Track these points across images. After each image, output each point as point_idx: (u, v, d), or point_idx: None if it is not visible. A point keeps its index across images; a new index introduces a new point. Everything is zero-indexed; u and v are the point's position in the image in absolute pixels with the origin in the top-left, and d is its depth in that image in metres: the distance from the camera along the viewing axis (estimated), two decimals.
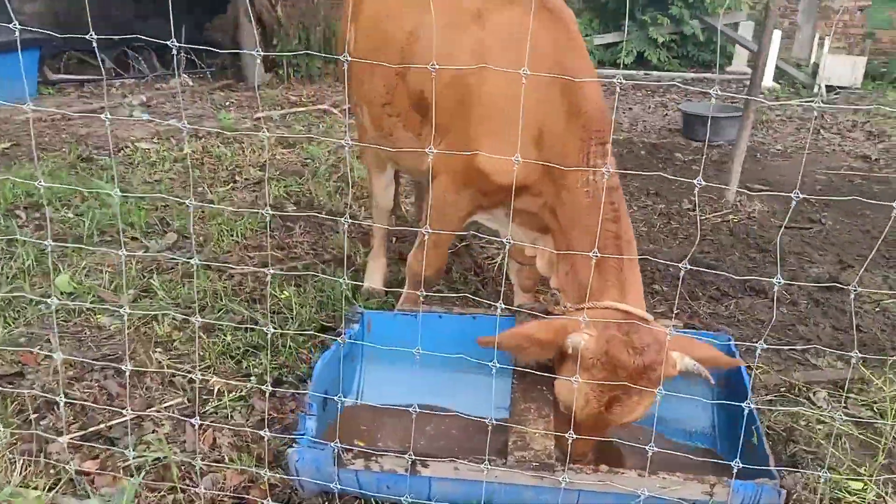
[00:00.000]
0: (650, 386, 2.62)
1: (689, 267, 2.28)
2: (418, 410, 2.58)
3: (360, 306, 3.43)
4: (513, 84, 2.97)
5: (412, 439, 3.12)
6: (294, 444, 2.72)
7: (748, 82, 11.81)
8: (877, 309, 4.39)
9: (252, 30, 10.36)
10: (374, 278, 4.53)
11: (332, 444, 2.61)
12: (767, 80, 11.30)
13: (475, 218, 3.54)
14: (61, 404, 2.87)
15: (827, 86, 11.18)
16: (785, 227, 5.78)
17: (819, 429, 3.26)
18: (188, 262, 4.68)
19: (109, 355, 3.85)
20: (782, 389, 3.59)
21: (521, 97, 2.58)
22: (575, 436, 2.50)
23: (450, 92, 3.18)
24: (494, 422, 2.51)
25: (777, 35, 11.26)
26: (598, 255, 2.75)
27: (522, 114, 3.02)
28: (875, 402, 3.47)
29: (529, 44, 3.04)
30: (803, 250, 5.28)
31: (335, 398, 2.69)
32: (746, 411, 2.54)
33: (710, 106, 9.09)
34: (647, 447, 2.38)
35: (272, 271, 2.73)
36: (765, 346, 2.33)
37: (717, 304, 4.45)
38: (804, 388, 3.58)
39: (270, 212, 2.50)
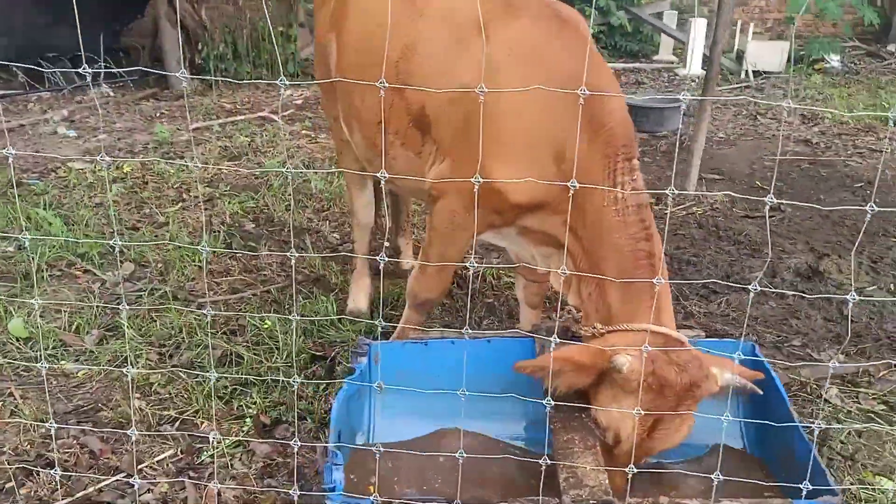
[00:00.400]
0: (694, 405, 2.56)
1: (684, 286, 2.18)
2: (451, 454, 2.40)
3: (365, 337, 3.21)
4: (529, 101, 2.83)
5: (437, 477, 2.96)
6: (327, 502, 2.50)
7: (677, 71, 11.99)
8: (861, 297, 4.44)
9: (174, 35, 9.87)
10: (359, 299, 4.31)
11: (372, 498, 2.40)
12: (696, 68, 11.51)
13: (482, 237, 3.37)
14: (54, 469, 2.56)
15: (753, 71, 11.45)
16: (748, 218, 5.85)
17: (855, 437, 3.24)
18: (154, 295, 4.36)
19: (84, 407, 3.51)
20: (794, 388, 3.57)
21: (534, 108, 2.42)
22: (631, 468, 2.39)
23: (456, 109, 2.99)
24: (548, 461, 2.35)
25: (703, 23, 11.47)
26: (629, 279, 2.66)
27: (538, 131, 2.90)
28: (886, 396, 3.48)
29: (543, 57, 2.91)
30: (774, 241, 5.32)
31: (372, 449, 2.48)
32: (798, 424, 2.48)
33: (650, 97, 9.19)
34: (713, 476, 2.27)
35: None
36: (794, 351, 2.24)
37: (709, 303, 4.42)
38: (815, 387, 3.57)
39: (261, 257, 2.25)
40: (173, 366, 3.77)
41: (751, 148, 7.88)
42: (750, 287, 2.17)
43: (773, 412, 2.83)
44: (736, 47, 12.22)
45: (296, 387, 2.44)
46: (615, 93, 2.94)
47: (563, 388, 2.63)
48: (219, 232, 5.28)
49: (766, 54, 11.56)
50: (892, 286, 4.57)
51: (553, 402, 2.39)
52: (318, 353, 3.88)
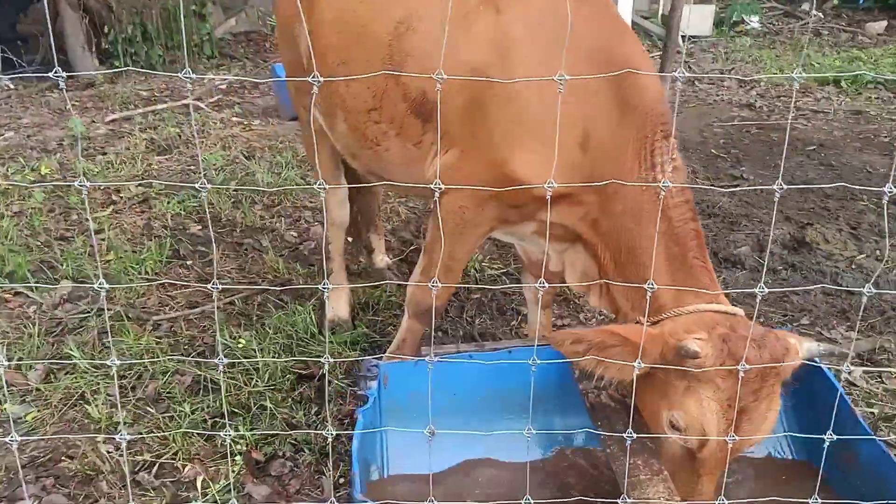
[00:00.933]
0: (778, 385, 2.26)
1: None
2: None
3: (373, 359, 2.85)
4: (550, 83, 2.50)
5: None
6: None
7: None
8: (853, 267, 4.35)
9: (77, 18, 9.04)
10: (340, 306, 3.92)
11: None
12: None
13: (497, 233, 3.04)
14: None
15: (681, 35, 11.43)
16: (715, 188, 5.71)
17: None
18: (102, 316, 3.85)
19: (41, 458, 3.03)
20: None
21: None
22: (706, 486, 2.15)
23: (464, 92, 2.63)
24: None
25: None
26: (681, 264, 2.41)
27: (562, 114, 2.54)
28: None
29: (563, 30, 2.55)
30: (750, 212, 5.19)
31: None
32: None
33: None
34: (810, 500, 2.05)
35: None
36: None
37: None
38: (836, 369, 3.42)
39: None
40: (139, 399, 3.32)
41: (696, 115, 7.79)
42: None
43: (828, 410, 2.62)
44: (660, 12, 12.18)
45: (330, 440, 2.06)
46: (646, 65, 2.64)
47: (610, 376, 2.31)
48: (163, 238, 4.76)
49: (693, 18, 11.55)
50: (878, 252, 4.50)
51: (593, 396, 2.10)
52: (303, 372, 3.49)
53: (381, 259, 4.43)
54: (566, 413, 2.85)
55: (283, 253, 4.67)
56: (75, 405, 3.29)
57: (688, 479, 2.34)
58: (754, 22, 12.22)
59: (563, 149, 2.53)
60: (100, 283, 1.76)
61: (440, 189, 2.78)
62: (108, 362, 1.86)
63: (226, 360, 1.93)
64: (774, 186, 1.83)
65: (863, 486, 2.53)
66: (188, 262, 4.54)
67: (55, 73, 1.55)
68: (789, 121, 4.87)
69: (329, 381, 3.39)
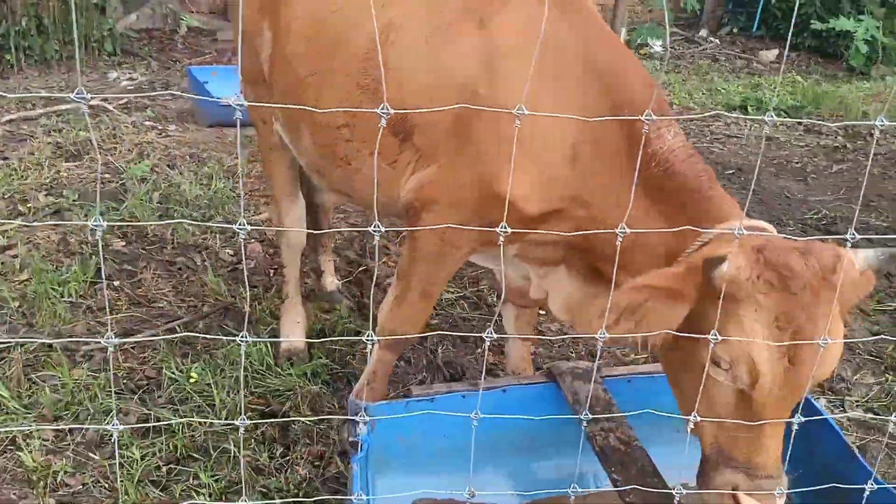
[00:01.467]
0: (833, 301, 1.89)
1: None
2: None
3: (358, 401, 2.64)
4: (539, 93, 2.34)
5: None
6: None
7: None
8: None
9: None
10: (295, 332, 3.67)
11: None
12: None
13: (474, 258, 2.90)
14: None
15: None
16: None
17: None
18: (26, 347, 3.45)
19: None
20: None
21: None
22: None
23: (441, 105, 2.44)
24: None
25: None
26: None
27: (551, 128, 2.39)
28: (869, 402, 3.46)
29: (551, 43, 2.44)
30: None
31: None
32: None
33: None
34: None
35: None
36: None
37: None
38: None
39: None
40: (78, 444, 2.97)
41: None
42: None
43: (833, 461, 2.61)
44: None
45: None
46: (633, 67, 2.49)
47: (654, 341, 2.04)
48: (85, 254, 4.34)
49: None
50: None
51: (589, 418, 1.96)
52: (263, 409, 3.23)
53: (331, 281, 4.20)
54: (563, 454, 2.74)
55: (220, 273, 4.36)
56: (5, 452, 2.91)
57: (747, 433, 2.01)
58: (657, 46, 12.65)
59: (552, 166, 2.44)
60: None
61: (415, 210, 2.68)
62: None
63: (247, 422, 1.70)
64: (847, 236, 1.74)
65: None
66: (115, 283, 4.15)
67: None
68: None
69: (293, 421, 3.15)
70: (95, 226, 1.44)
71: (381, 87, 2.59)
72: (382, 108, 1.69)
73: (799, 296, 1.87)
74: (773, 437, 2.01)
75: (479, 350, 3.79)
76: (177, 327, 3.77)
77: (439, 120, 2.52)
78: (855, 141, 7.71)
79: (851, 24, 10.96)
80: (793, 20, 2.62)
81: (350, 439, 2.48)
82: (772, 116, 1.59)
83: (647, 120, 1.78)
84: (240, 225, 1.46)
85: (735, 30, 13.41)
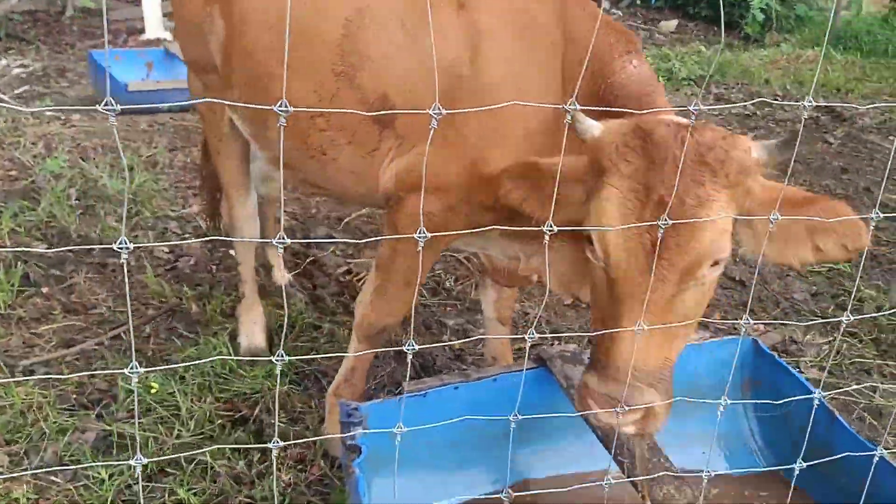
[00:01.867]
0: (718, 180, 1.83)
1: None
2: None
3: (349, 403, 2.52)
4: (521, 70, 2.38)
5: None
6: None
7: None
8: (736, 260, 4.61)
9: None
10: (255, 334, 3.51)
11: None
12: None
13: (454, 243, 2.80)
14: None
15: None
16: None
17: None
18: None
19: None
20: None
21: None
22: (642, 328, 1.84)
23: (426, 88, 2.36)
24: None
25: None
26: None
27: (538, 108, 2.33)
28: (822, 362, 3.61)
29: (531, 20, 2.41)
30: None
31: None
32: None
33: None
34: None
35: None
36: None
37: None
38: None
39: None
40: (37, 467, 2.74)
41: None
42: None
43: (826, 434, 2.67)
44: None
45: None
46: (611, 37, 2.39)
47: (540, 212, 2.08)
48: (6, 261, 4.00)
49: None
50: None
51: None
52: (231, 414, 3.07)
53: (282, 276, 4.03)
54: (556, 437, 2.73)
55: (158, 272, 4.11)
56: None
57: (608, 322, 1.95)
58: None
59: (536, 141, 2.37)
60: None
61: (397, 198, 2.58)
62: None
63: (281, 444, 1.58)
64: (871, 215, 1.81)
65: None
66: (43, 290, 3.85)
67: None
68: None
69: (267, 424, 3.00)
70: (121, 248, 1.28)
71: (358, 74, 2.50)
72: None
73: (663, 168, 1.80)
74: (627, 328, 1.88)
75: (447, 337, 3.72)
76: (122, 334, 3.53)
77: (422, 104, 2.37)
78: (762, 108, 8.02)
79: None
80: None
81: (349, 443, 2.37)
82: (810, 101, 1.60)
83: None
84: (121, 244, 1.30)
85: (637, 1, 13.70)
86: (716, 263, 1.89)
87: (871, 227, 1.72)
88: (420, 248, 1.89)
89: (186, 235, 4.56)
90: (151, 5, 8.95)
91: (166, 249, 4.38)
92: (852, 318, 1.95)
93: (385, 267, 2.74)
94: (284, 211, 4.95)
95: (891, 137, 6.99)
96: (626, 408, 1.92)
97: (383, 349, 2.69)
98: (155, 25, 9.13)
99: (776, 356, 2.88)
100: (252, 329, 3.50)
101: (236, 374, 3.28)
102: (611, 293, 1.94)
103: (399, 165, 2.53)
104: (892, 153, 1.66)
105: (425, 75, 2.36)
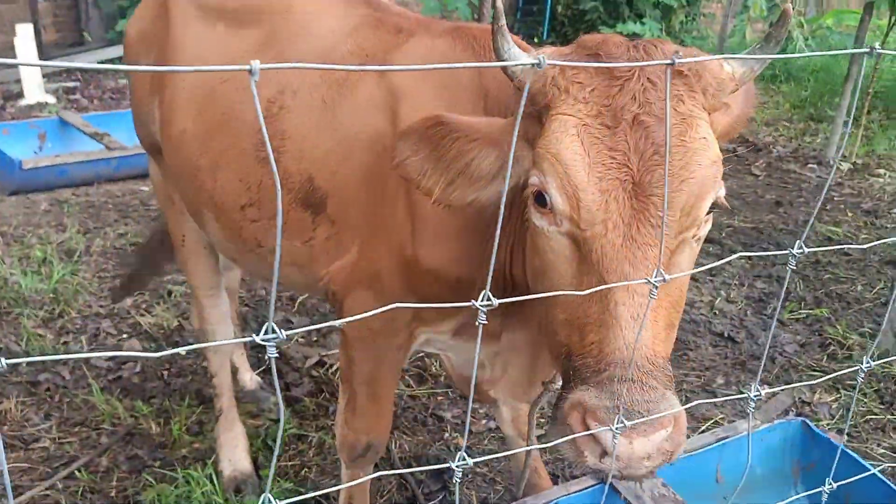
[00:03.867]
0: (696, 95, 1.45)
1: None
2: None
3: None
4: None
5: None
6: None
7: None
8: (714, 312, 4.52)
9: None
10: (238, 457, 3.07)
11: None
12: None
13: (419, 344, 2.41)
14: None
15: None
16: None
17: None
18: None
19: None
20: None
21: None
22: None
23: (359, 168, 2.13)
24: None
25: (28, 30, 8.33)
26: None
27: None
28: (837, 422, 3.52)
29: (450, 77, 2.10)
30: None
31: None
32: None
33: None
34: None
35: None
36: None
37: None
38: None
39: None
40: None
41: None
42: None
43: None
44: None
45: None
46: None
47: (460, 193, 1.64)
48: None
49: None
50: (729, 293, 4.75)
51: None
52: None
53: (251, 378, 3.60)
54: None
55: (103, 385, 3.58)
56: None
57: (592, 310, 1.42)
58: None
59: (478, 229, 1.99)
60: None
61: (336, 299, 2.25)
62: None
63: None
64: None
65: None
66: None
67: None
68: None
69: None
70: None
71: (282, 158, 2.26)
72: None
73: (628, 82, 1.42)
74: (627, 304, 1.37)
75: (448, 434, 3.39)
76: (77, 471, 3.00)
77: (350, 182, 2.15)
78: None
79: (638, 27, 11.70)
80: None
81: None
82: None
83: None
84: None
85: (528, 38, 13.89)
86: (713, 207, 1.49)
87: (794, 262, 1.42)
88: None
89: (124, 336, 4.03)
90: (29, 67, 8.17)
91: (104, 357, 3.84)
92: (871, 363, 1.71)
93: (347, 379, 2.41)
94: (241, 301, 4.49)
95: (810, 165, 7.23)
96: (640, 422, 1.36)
97: (390, 473, 2.17)
98: (34, 89, 8.38)
99: (827, 435, 2.73)
100: (234, 452, 3.06)
101: None
102: (584, 266, 1.44)
103: (344, 263, 2.23)
104: (827, 186, 1.47)
105: (348, 155, 2.14)
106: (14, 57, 8.20)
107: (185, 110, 2.51)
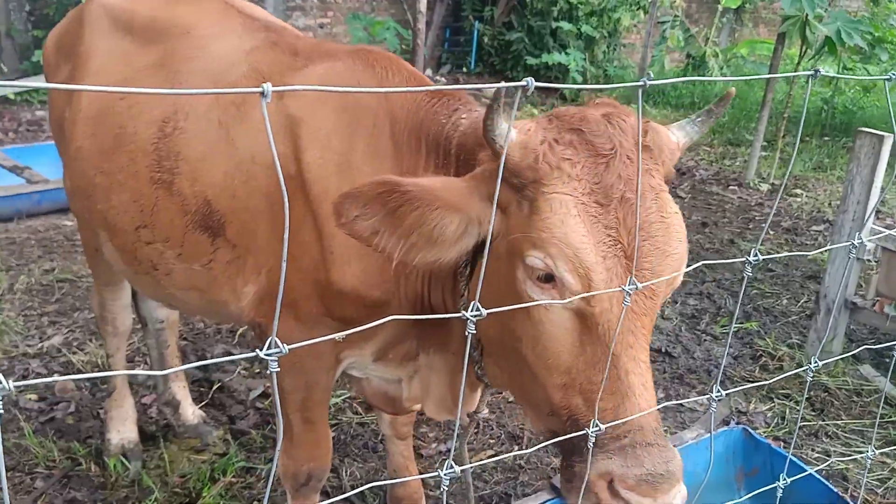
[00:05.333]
0: (658, 167, 1.56)
1: None
2: None
3: None
4: (353, 151, 2.06)
5: None
6: None
7: None
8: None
9: None
10: (126, 427, 3.31)
11: None
12: None
13: (344, 367, 2.39)
14: None
15: None
16: None
17: None
18: None
19: None
20: None
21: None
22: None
23: (258, 192, 2.12)
24: None
25: None
26: None
27: None
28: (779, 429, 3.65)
29: (352, 98, 2.10)
30: None
31: None
32: None
33: None
34: None
35: None
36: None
37: None
38: None
39: None
40: None
41: None
42: None
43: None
44: None
45: None
46: (445, 101, 2.10)
47: (422, 258, 1.61)
48: None
49: None
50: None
51: None
52: None
53: (193, 412, 3.50)
54: None
55: (35, 427, 3.42)
56: None
57: (600, 376, 1.48)
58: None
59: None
60: None
61: (258, 328, 2.24)
62: None
63: None
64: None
65: None
66: None
67: None
68: None
69: None
70: None
71: (176, 179, 2.26)
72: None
73: (613, 160, 1.49)
74: (636, 370, 1.48)
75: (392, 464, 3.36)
76: None
77: (250, 206, 2.15)
78: None
79: (564, 57, 12.04)
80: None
81: None
82: None
83: None
84: None
85: (456, 68, 14.10)
86: None
87: (748, 273, 1.56)
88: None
89: (54, 375, 3.87)
90: None
91: (34, 396, 3.69)
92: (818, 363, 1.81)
93: (282, 405, 2.36)
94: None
95: (731, 187, 7.53)
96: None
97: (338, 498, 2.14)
98: None
99: (768, 441, 2.83)
100: (124, 425, 3.30)
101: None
102: (588, 336, 1.50)
103: (255, 293, 2.22)
104: (774, 211, 1.60)
105: (245, 178, 2.13)
106: None
107: (83, 128, 2.49)
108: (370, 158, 2.04)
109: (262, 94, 0.85)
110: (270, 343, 0.95)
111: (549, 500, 2.44)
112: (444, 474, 1.18)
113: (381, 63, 2.16)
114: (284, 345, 0.97)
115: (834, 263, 3.98)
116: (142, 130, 2.32)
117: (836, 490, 2.63)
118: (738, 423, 3.62)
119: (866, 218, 3.62)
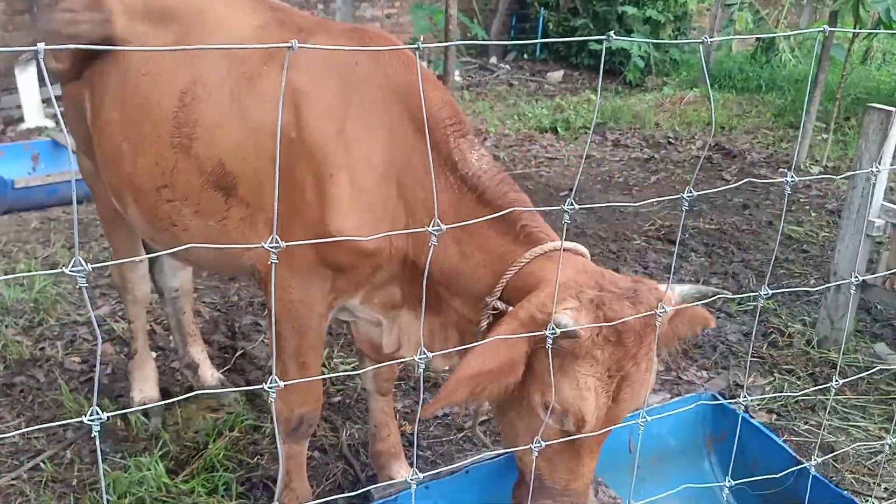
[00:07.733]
0: (653, 340, 2.01)
1: None
2: None
3: None
4: (358, 127, 2.37)
5: None
6: None
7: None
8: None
9: None
10: (148, 386, 3.63)
11: None
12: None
13: (334, 313, 2.68)
14: None
15: None
16: None
17: None
18: None
19: None
20: None
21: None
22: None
23: (266, 155, 2.43)
24: None
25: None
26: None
27: (378, 162, 2.35)
28: (769, 404, 3.66)
29: (356, 73, 2.43)
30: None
31: None
32: None
33: None
34: None
35: None
36: None
37: None
38: None
39: None
40: None
41: None
42: None
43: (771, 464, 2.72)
44: None
45: None
46: (431, 86, 2.48)
47: (491, 399, 2.09)
48: None
49: None
50: None
51: None
52: None
53: (211, 375, 3.79)
54: None
55: (73, 386, 3.79)
56: None
57: (567, 462, 2.12)
58: (455, 75, 13.03)
59: (376, 194, 2.38)
60: None
61: (260, 275, 2.53)
62: None
63: None
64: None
65: None
66: None
67: None
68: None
69: None
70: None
71: (194, 144, 2.56)
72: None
73: (630, 346, 1.96)
74: (589, 464, 2.15)
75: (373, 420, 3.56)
76: (42, 463, 3.21)
77: (259, 168, 2.46)
78: (658, 151, 8.33)
79: (626, 42, 11.92)
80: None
81: None
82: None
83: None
84: None
85: (521, 55, 14.14)
86: None
87: (762, 301, 1.98)
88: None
89: (94, 342, 4.24)
90: (28, 92, 8.55)
91: (77, 359, 4.07)
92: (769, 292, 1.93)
93: (277, 353, 2.61)
94: (203, 302, 4.71)
95: (781, 170, 7.37)
96: None
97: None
98: (34, 113, 8.71)
99: (735, 408, 2.88)
100: (145, 384, 3.62)
101: (171, 494, 3.02)
102: (572, 445, 2.08)
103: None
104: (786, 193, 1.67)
105: (255, 143, 2.45)
106: (14, 84, 8.61)
107: (113, 101, 2.79)
108: (365, 128, 2.37)
109: (290, 47, 1.14)
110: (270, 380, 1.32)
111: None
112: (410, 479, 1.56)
113: (374, 42, 2.51)
114: (281, 381, 1.39)
115: (844, 240, 3.93)
116: (164, 101, 2.63)
117: (793, 453, 2.67)
118: (732, 398, 3.66)
119: (871, 194, 3.58)
